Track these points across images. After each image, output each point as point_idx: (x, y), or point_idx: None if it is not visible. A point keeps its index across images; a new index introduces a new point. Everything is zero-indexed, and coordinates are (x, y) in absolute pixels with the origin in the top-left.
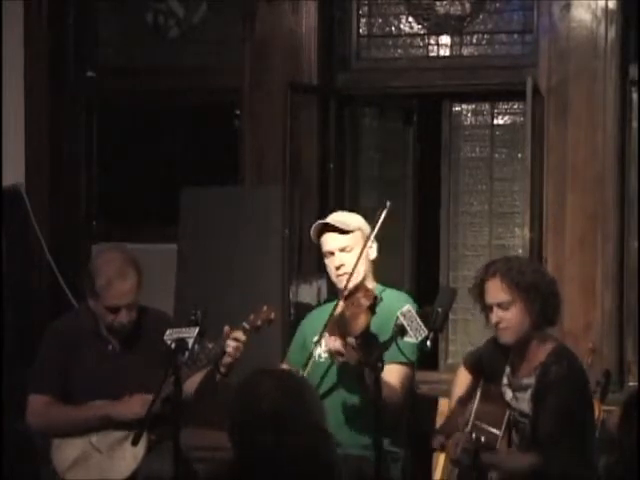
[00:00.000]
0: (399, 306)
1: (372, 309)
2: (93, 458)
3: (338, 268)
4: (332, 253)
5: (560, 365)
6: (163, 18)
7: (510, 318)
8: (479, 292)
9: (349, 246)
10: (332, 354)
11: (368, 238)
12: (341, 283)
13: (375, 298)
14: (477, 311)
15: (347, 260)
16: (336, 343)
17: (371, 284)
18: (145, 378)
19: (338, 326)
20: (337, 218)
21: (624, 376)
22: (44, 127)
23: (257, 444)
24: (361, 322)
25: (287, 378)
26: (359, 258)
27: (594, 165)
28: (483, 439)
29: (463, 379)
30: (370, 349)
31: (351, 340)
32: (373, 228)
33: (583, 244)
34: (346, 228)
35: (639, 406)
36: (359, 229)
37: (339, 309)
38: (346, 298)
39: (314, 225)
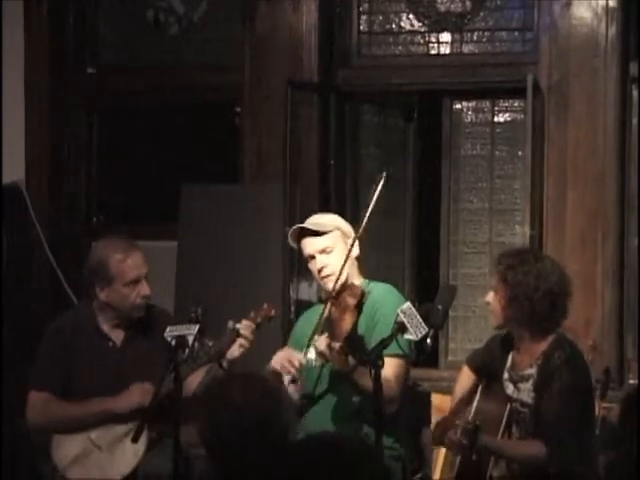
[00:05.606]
0: (385, 298)
1: (359, 307)
2: (93, 455)
3: (320, 270)
4: (313, 257)
5: (562, 351)
6: (163, 16)
7: (493, 303)
8: None
9: (329, 247)
10: (319, 356)
11: (357, 234)
12: (326, 285)
13: (362, 294)
14: (477, 308)
15: (328, 261)
16: (321, 346)
17: (357, 281)
18: (146, 375)
19: (325, 328)
20: (313, 221)
21: (624, 373)
22: (44, 127)
23: (226, 449)
24: (346, 324)
25: (253, 383)
26: (346, 260)
27: (594, 162)
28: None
29: (466, 378)
30: (356, 351)
31: (335, 344)
32: (370, 201)
33: (583, 241)
34: (323, 229)
35: (639, 403)
36: (337, 228)
37: (327, 311)
38: (334, 299)
39: (290, 231)
